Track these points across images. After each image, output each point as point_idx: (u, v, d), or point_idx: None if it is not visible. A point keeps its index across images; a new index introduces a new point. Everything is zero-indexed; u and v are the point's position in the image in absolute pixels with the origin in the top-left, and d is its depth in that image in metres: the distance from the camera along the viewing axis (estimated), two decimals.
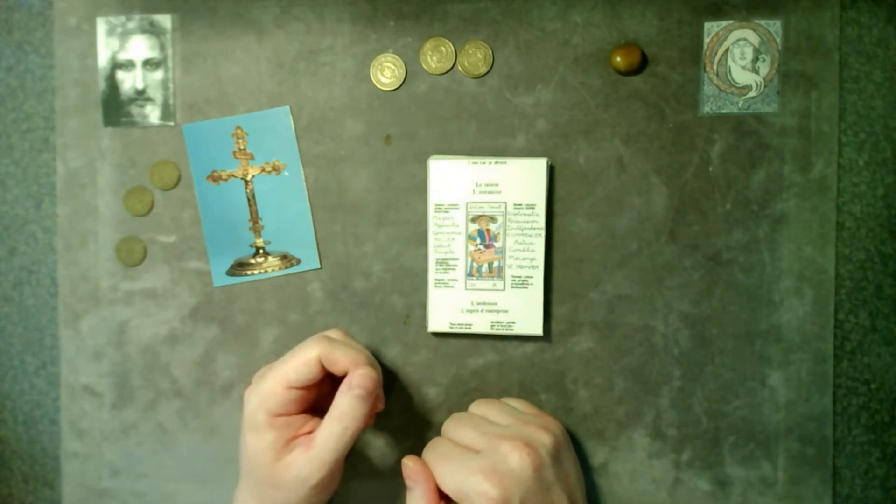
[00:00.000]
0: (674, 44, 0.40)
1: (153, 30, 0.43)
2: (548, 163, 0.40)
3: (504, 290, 0.40)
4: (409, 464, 0.36)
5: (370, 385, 0.35)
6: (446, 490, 0.35)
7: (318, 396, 0.38)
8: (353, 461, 0.43)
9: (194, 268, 0.43)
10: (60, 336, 0.44)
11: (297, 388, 0.35)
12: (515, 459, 0.33)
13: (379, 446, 0.42)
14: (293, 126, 0.42)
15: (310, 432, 0.36)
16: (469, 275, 0.41)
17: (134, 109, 0.43)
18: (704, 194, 0.41)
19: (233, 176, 0.43)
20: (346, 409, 0.34)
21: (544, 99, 0.41)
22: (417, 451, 0.42)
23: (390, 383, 0.42)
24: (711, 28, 0.40)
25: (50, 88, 0.44)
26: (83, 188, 0.43)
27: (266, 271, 0.43)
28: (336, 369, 0.35)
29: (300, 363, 0.35)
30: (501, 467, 0.33)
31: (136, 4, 0.43)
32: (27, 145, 0.44)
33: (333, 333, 0.38)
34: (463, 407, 0.42)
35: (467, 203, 0.40)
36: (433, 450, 0.36)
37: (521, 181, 0.40)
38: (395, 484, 0.43)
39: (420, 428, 0.43)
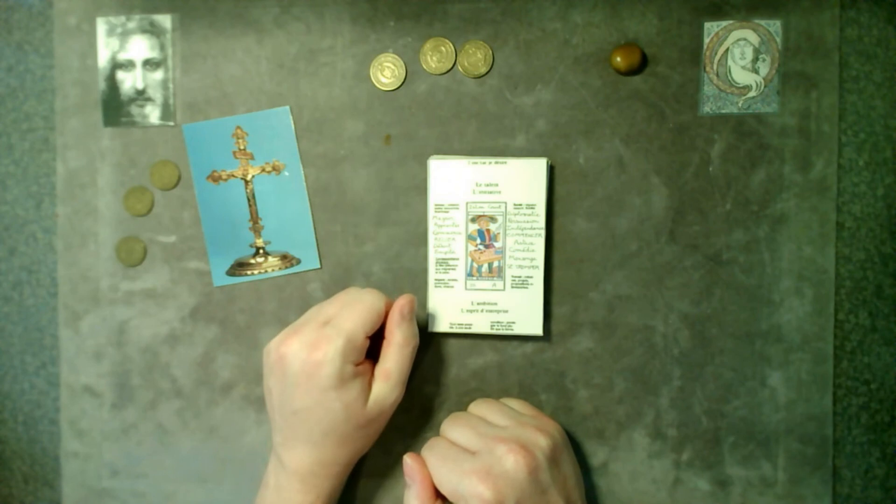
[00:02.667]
0: (674, 44, 0.40)
1: (153, 30, 0.43)
2: (548, 163, 0.40)
3: (504, 290, 0.40)
4: (408, 461, 0.37)
5: (413, 306, 0.38)
6: (443, 490, 0.35)
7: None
8: None
9: (194, 268, 0.43)
10: (60, 336, 0.44)
11: (368, 338, 0.37)
12: (511, 462, 0.33)
13: (379, 446, 0.42)
14: (293, 126, 0.42)
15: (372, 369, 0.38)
16: (469, 275, 0.41)
17: (134, 109, 0.43)
18: (704, 194, 0.41)
19: (233, 176, 0.43)
20: (404, 333, 0.38)
21: (544, 99, 0.41)
22: (417, 451, 0.42)
23: None
24: (711, 28, 0.40)
25: (50, 88, 0.44)
26: (83, 188, 0.43)
27: (266, 271, 0.43)
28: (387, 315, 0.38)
29: (373, 314, 0.37)
30: (496, 469, 0.33)
31: (136, 4, 0.43)
32: (27, 145, 0.44)
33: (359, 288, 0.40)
34: (463, 407, 0.42)
35: (467, 203, 0.40)
36: (431, 449, 0.37)
37: (521, 181, 0.40)
38: (394, 484, 0.43)
39: (420, 428, 0.43)
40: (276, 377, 0.36)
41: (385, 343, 0.38)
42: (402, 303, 0.38)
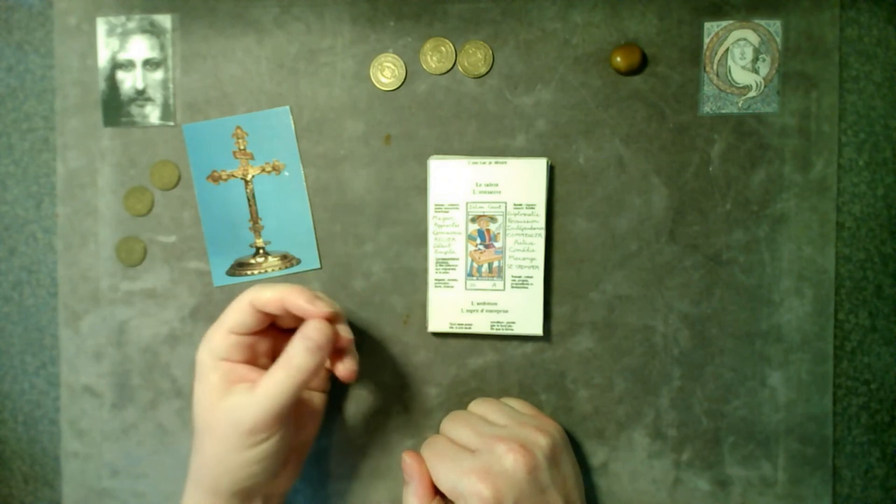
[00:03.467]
0: (674, 44, 0.40)
1: (153, 30, 0.43)
2: (548, 163, 0.40)
3: (504, 290, 0.40)
4: (406, 459, 0.37)
5: (320, 338, 0.34)
6: (441, 488, 0.35)
7: (271, 350, 0.38)
8: (353, 461, 0.43)
9: (194, 268, 0.43)
10: (60, 336, 0.44)
11: (239, 334, 0.35)
12: (510, 461, 0.33)
13: (379, 446, 0.42)
14: (293, 126, 0.42)
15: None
16: (469, 275, 0.41)
17: (134, 109, 0.43)
18: (704, 194, 0.41)
19: (233, 176, 0.43)
20: (293, 357, 0.33)
21: (544, 99, 0.41)
22: (417, 450, 0.42)
23: (390, 383, 0.42)
24: (711, 28, 0.40)
25: (50, 88, 0.44)
26: (83, 188, 0.43)
27: (266, 271, 0.43)
28: (271, 309, 0.35)
29: (234, 308, 0.36)
30: (496, 468, 0.33)
31: (136, 4, 0.43)
32: (27, 145, 0.44)
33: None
34: (462, 407, 0.42)
35: (467, 203, 0.40)
36: (430, 447, 0.37)
37: (521, 181, 0.40)
38: (395, 484, 0.43)
39: (420, 428, 0.43)
40: None
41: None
42: (308, 327, 0.34)
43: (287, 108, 0.42)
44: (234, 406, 0.34)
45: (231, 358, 0.36)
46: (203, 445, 0.35)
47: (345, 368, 0.36)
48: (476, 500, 0.32)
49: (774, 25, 0.40)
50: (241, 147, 0.42)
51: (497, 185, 0.40)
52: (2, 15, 0.44)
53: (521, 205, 0.40)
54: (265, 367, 0.36)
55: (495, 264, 0.40)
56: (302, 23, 0.42)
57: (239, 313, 0.35)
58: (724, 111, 0.40)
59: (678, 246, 0.41)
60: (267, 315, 0.36)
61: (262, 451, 0.34)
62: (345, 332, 0.36)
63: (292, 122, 0.42)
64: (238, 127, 0.42)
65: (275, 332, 0.38)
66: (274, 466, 0.35)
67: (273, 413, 0.33)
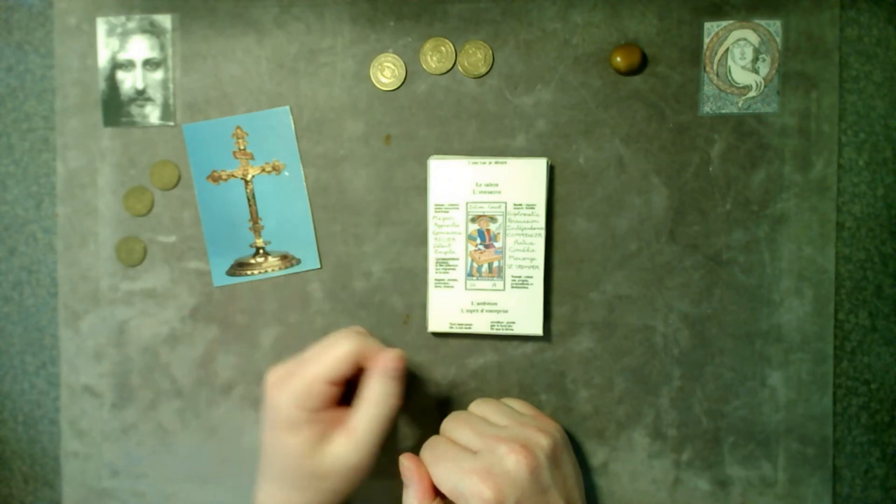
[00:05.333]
0: (674, 44, 0.40)
1: (153, 30, 0.43)
2: (548, 163, 0.40)
3: (504, 290, 0.40)
4: (405, 462, 0.36)
5: (401, 365, 0.36)
6: (442, 490, 0.35)
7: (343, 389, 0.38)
8: None
9: (194, 268, 0.43)
10: (60, 336, 0.44)
11: (334, 385, 0.35)
12: (512, 462, 0.33)
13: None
14: (293, 126, 0.42)
15: (342, 422, 0.36)
16: (469, 275, 0.41)
17: (134, 109, 0.43)
18: (704, 194, 0.41)
19: (233, 176, 0.43)
20: (382, 391, 0.35)
21: (544, 99, 0.41)
22: (417, 451, 0.42)
23: None
24: (711, 28, 0.40)
25: (50, 88, 0.44)
26: (83, 188, 0.43)
27: (266, 271, 0.43)
28: (367, 363, 0.36)
29: (336, 360, 0.35)
30: (497, 469, 0.33)
31: (136, 4, 0.43)
32: (27, 145, 0.44)
33: (356, 329, 0.38)
34: (463, 407, 0.42)
35: (467, 203, 0.40)
36: (430, 449, 0.37)
37: (521, 181, 0.40)
38: (395, 484, 0.43)
39: (420, 428, 0.43)
40: (264, 402, 0.36)
41: (359, 396, 0.36)
42: (386, 359, 0.35)
43: (287, 108, 0.42)
44: (340, 453, 0.35)
45: (325, 407, 0.35)
46: (302, 487, 0.35)
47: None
48: (478, 500, 0.32)
49: (774, 25, 0.40)
50: (241, 147, 0.42)
51: (497, 185, 0.40)
52: (2, 15, 0.44)
53: (521, 205, 0.40)
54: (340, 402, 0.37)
55: (495, 264, 0.40)
56: (302, 23, 0.42)
57: (342, 365, 0.35)
58: (724, 111, 0.40)
59: (678, 246, 0.41)
60: (358, 365, 0.36)
61: (363, 479, 0.36)
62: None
63: (292, 122, 0.42)
64: (238, 127, 0.42)
65: None
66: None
67: (377, 448, 0.35)
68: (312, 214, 0.42)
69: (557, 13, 0.41)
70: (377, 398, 0.35)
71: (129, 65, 0.43)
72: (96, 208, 0.43)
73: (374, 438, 0.35)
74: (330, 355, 0.35)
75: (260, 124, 0.42)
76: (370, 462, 0.35)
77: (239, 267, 0.43)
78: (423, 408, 0.42)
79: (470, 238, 0.40)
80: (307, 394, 0.35)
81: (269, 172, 0.42)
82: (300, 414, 0.34)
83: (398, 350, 0.36)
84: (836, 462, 0.41)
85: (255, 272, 0.43)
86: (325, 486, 0.35)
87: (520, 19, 0.41)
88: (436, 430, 0.42)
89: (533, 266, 0.40)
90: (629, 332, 0.41)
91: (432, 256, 0.41)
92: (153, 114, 0.43)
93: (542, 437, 0.35)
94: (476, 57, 0.41)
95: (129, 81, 0.43)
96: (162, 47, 0.43)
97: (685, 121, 0.40)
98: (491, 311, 0.41)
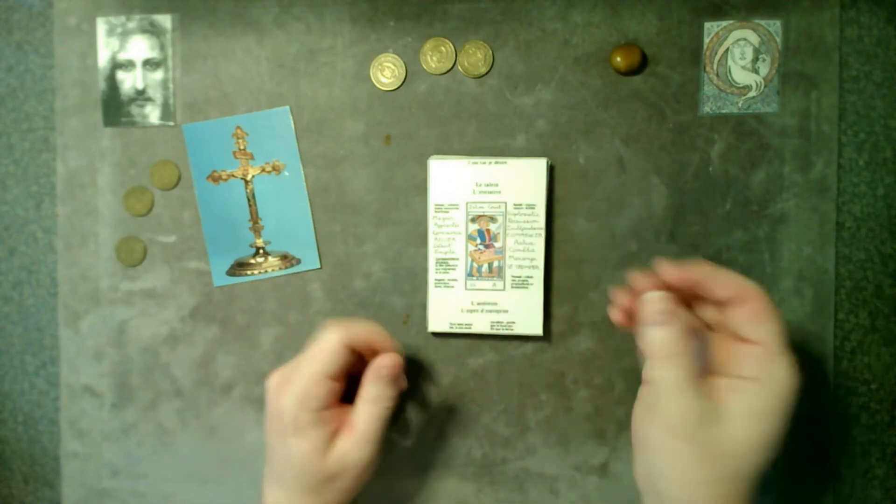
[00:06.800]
0: (674, 44, 0.40)
1: (153, 30, 0.43)
2: (548, 163, 0.40)
3: (504, 290, 0.40)
4: (653, 297, 0.32)
5: (395, 368, 0.36)
6: (723, 294, 0.32)
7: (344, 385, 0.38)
8: None
9: (194, 268, 0.43)
10: (60, 336, 0.44)
11: (333, 379, 0.35)
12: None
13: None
14: (293, 126, 0.42)
15: (344, 420, 0.36)
16: (469, 275, 0.41)
17: (134, 109, 0.43)
18: (704, 194, 0.41)
19: (233, 176, 0.43)
20: (377, 392, 0.36)
21: (544, 99, 0.41)
22: (416, 451, 0.42)
23: None
24: (711, 28, 0.40)
25: (50, 88, 0.44)
26: (83, 188, 0.43)
27: (266, 271, 0.43)
28: (360, 346, 0.36)
29: (327, 352, 0.35)
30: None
31: (136, 4, 0.43)
32: (27, 145, 0.44)
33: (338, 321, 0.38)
34: (463, 407, 0.42)
35: (467, 203, 0.40)
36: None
37: (521, 181, 0.40)
38: (393, 482, 0.43)
39: (420, 428, 0.43)
40: (267, 407, 0.36)
41: (357, 394, 0.36)
42: (380, 364, 0.36)
43: (287, 108, 0.42)
44: (345, 452, 0.35)
45: (328, 405, 0.35)
46: (314, 490, 0.35)
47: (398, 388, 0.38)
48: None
49: (774, 25, 0.40)
50: (241, 147, 0.42)
51: (497, 185, 0.40)
52: (2, 15, 0.44)
53: (521, 205, 0.40)
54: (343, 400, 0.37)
55: (495, 264, 0.40)
56: (302, 23, 0.42)
57: (334, 356, 0.35)
58: (724, 111, 0.40)
59: (678, 246, 0.41)
60: (354, 353, 0.36)
61: (370, 473, 0.37)
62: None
63: (292, 122, 0.42)
64: (238, 127, 0.42)
65: None
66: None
67: (378, 443, 0.36)
68: (312, 214, 0.42)
69: (557, 13, 0.41)
70: (373, 398, 0.36)
71: (129, 65, 0.43)
72: (96, 208, 0.43)
73: (374, 434, 0.36)
74: (320, 349, 0.35)
75: (260, 124, 0.42)
76: (374, 458, 0.36)
77: (239, 267, 0.43)
78: (423, 408, 0.42)
79: (470, 238, 0.40)
80: (309, 393, 0.35)
81: (269, 172, 0.42)
82: (305, 415, 0.34)
83: (392, 354, 0.36)
84: (835, 462, 0.41)
85: (255, 272, 0.43)
86: (335, 487, 0.35)
87: (520, 19, 0.41)
88: (436, 430, 0.42)
89: (533, 266, 0.40)
90: (629, 333, 0.41)
91: (432, 256, 0.41)
92: (153, 114, 0.43)
93: None
94: (476, 57, 0.41)
95: (129, 81, 0.43)
96: (162, 47, 0.43)
97: (685, 121, 0.40)
98: (491, 311, 0.41)
